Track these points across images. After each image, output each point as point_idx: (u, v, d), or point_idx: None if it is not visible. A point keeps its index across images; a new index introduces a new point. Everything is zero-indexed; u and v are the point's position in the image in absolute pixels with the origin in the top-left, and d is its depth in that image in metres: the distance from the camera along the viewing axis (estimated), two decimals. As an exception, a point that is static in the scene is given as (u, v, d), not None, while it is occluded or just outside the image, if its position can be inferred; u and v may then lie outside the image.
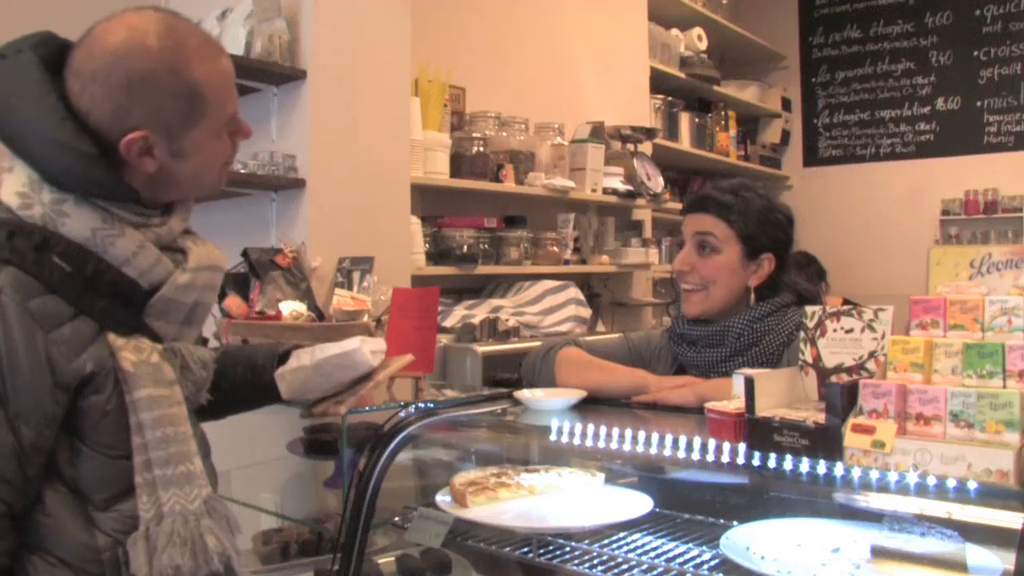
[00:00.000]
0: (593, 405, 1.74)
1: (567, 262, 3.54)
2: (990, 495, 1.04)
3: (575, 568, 1.38)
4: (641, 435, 1.38)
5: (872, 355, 1.29)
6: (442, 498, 1.61)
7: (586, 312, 3.27)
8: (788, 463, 1.18)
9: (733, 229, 1.80)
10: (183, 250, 1.26)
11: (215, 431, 1.51)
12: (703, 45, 4.91)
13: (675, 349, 1.91)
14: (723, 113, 5.26)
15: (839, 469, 1.14)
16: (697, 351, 1.84)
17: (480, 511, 1.54)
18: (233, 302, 2.31)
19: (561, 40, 3.94)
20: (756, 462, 1.21)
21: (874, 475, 1.11)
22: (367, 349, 1.57)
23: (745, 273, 1.82)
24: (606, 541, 1.45)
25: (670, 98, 4.65)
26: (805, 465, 1.17)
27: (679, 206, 4.49)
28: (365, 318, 2.25)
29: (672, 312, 2.02)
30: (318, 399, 1.61)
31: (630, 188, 3.81)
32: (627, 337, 2.08)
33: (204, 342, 1.50)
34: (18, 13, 2.71)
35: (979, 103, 5.30)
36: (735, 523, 1.42)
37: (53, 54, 1.24)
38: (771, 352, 1.77)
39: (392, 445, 1.60)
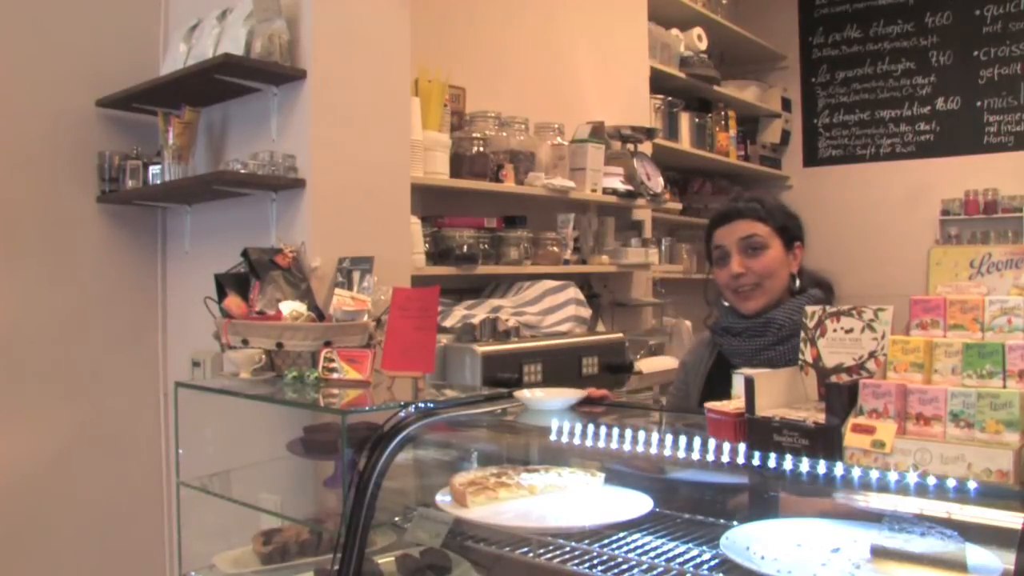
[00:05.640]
0: (593, 405, 1.74)
1: (567, 262, 3.54)
2: (990, 495, 1.04)
3: (575, 568, 1.38)
4: (641, 435, 1.38)
5: (872, 355, 1.29)
6: (442, 498, 1.61)
7: (586, 312, 3.27)
8: (788, 463, 1.18)
9: (770, 225, 1.99)
10: None
11: (216, 430, 1.51)
12: (703, 45, 4.90)
13: (718, 341, 2.06)
14: (723, 113, 5.26)
15: (839, 469, 1.14)
16: (742, 340, 1.98)
17: (480, 511, 1.54)
18: (233, 302, 2.31)
19: (561, 40, 3.93)
20: (756, 462, 1.21)
21: (874, 475, 1.11)
22: None
23: (788, 262, 2.01)
24: (606, 541, 1.45)
25: (670, 98, 4.64)
26: (805, 465, 1.17)
27: (679, 206, 4.52)
28: (365, 318, 2.25)
29: (711, 321, 2.15)
30: None
31: (630, 188, 3.81)
32: (681, 363, 2.26)
33: None
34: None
35: (979, 103, 5.30)
36: (735, 523, 1.42)
37: None
38: None
39: (392, 445, 1.60)
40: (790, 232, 2.01)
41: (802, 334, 1.37)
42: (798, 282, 2.00)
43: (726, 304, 2.05)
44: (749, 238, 1.97)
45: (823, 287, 2.02)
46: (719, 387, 1.94)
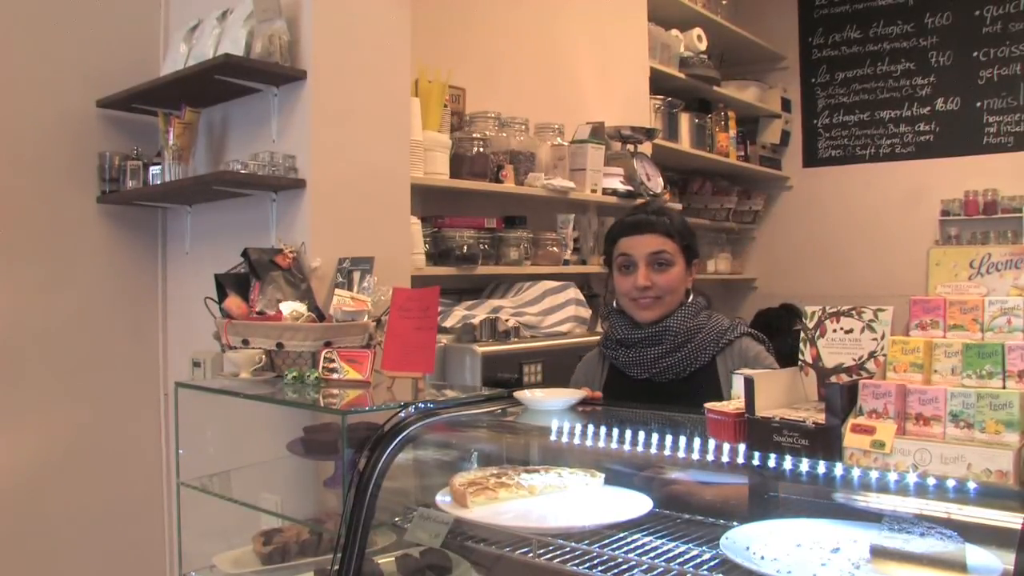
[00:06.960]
0: (593, 405, 1.74)
1: (567, 262, 3.54)
2: (990, 495, 1.04)
3: (575, 568, 1.38)
4: (641, 435, 1.38)
5: (872, 355, 1.29)
6: (442, 498, 1.61)
7: (586, 312, 3.27)
8: (788, 463, 1.18)
9: (677, 243, 2.06)
10: None
11: (216, 431, 1.51)
12: (703, 45, 4.90)
13: (610, 355, 2.09)
14: (723, 113, 5.26)
15: (839, 469, 1.14)
16: (637, 352, 2.02)
17: (480, 511, 1.54)
18: (233, 302, 2.31)
19: (561, 40, 3.94)
20: (756, 462, 1.21)
21: (874, 475, 1.11)
22: None
23: (686, 279, 2.09)
24: (606, 541, 1.45)
25: (670, 98, 4.64)
26: (805, 465, 1.17)
27: (679, 206, 4.52)
28: (365, 318, 2.25)
29: (604, 327, 2.20)
30: None
31: (630, 188, 3.81)
32: (573, 382, 2.24)
33: None
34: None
35: (979, 103, 5.30)
36: (735, 523, 1.42)
37: None
38: (704, 347, 2.00)
39: (392, 445, 1.60)
40: (692, 251, 2.10)
41: (802, 334, 1.37)
42: (691, 297, 2.09)
43: (616, 309, 2.10)
44: (659, 253, 2.03)
45: (704, 295, 2.13)
46: (616, 400, 2.02)
